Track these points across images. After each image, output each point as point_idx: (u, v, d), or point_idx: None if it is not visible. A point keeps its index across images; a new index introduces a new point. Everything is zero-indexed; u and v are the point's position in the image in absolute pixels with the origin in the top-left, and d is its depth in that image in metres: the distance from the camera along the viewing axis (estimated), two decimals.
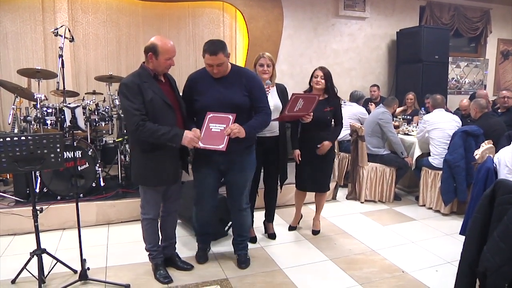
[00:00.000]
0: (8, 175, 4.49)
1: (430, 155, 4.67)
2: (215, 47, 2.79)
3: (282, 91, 3.53)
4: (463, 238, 2.28)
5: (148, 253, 3.03)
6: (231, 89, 2.90)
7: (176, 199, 3.09)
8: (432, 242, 3.73)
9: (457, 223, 4.03)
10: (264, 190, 3.72)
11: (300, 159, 3.64)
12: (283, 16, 6.95)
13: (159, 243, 3.05)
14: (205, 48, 2.82)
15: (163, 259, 3.07)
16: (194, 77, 3.01)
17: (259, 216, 3.84)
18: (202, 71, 3.00)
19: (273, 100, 3.38)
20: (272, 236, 3.79)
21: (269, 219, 3.82)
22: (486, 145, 3.68)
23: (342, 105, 5.64)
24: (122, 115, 4.46)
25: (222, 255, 3.41)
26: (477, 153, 3.52)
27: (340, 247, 3.63)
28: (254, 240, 3.69)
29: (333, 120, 3.69)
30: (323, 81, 3.56)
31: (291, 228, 4.00)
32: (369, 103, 6.42)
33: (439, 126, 4.55)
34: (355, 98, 5.72)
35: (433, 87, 6.77)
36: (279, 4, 6.89)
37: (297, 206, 4.00)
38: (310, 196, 4.03)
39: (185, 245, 3.59)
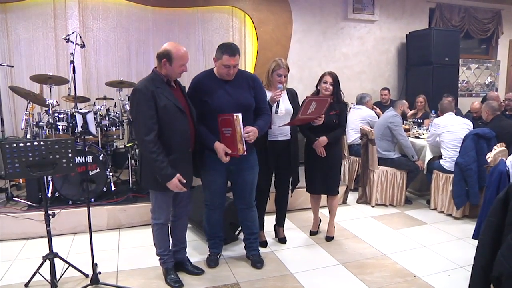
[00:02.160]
0: (21, 180, 4.55)
1: (441, 158, 4.63)
2: (233, 49, 2.90)
3: (292, 95, 3.54)
4: (475, 242, 2.26)
5: (158, 257, 3.04)
6: (239, 90, 3.00)
7: (187, 204, 3.10)
8: (444, 246, 3.70)
9: (469, 227, 3.99)
10: (275, 194, 3.72)
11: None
12: (292, 20, 6.96)
13: (170, 248, 3.06)
14: (223, 50, 2.89)
15: (174, 263, 3.07)
16: (200, 78, 3.06)
17: (269, 220, 3.82)
18: (207, 73, 3.08)
19: (284, 104, 3.39)
20: (282, 240, 3.78)
21: (279, 223, 3.81)
22: (499, 148, 3.64)
23: (351, 109, 5.68)
24: (132, 120, 4.49)
25: (233, 260, 3.41)
26: (490, 156, 3.49)
27: (351, 251, 3.61)
28: (264, 244, 3.68)
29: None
30: (331, 87, 3.55)
31: (312, 233, 3.98)
32: (373, 107, 6.30)
33: (450, 129, 4.52)
34: (357, 100, 5.72)
35: (443, 90, 6.71)
36: (288, 8, 6.90)
37: (313, 211, 3.98)
38: (324, 201, 4.00)
39: (195, 249, 3.60)
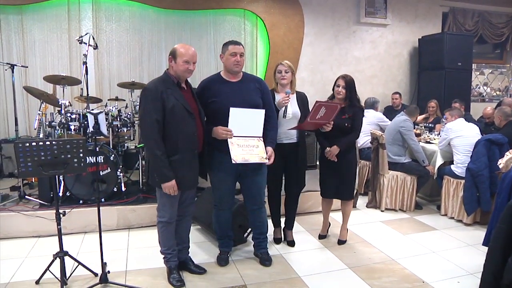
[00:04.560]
0: (33, 178, 4.61)
1: (452, 164, 4.59)
2: (237, 41, 3.10)
3: (302, 99, 3.54)
4: (486, 249, 2.24)
5: (163, 256, 3.07)
6: (247, 90, 3.09)
7: (191, 203, 3.13)
8: (454, 252, 3.66)
9: (480, 233, 3.94)
10: (285, 197, 3.74)
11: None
12: (304, 23, 6.96)
13: (175, 247, 3.08)
14: (227, 43, 3.10)
15: (178, 262, 3.10)
16: (207, 81, 3.15)
17: (283, 221, 3.86)
18: (214, 76, 3.18)
19: (292, 108, 3.39)
20: (291, 243, 3.78)
21: (288, 226, 3.82)
22: (511, 154, 3.59)
23: None
24: (139, 117, 4.52)
25: (241, 262, 3.41)
26: (501, 162, 3.44)
27: (360, 255, 3.59)
28: (279, 241, 3.78)
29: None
30: (344, 90, 3.52)
31: (321, 236, 3.96)
32: None
33: (462, 134, 4.48)
34: (368, 104, 5.68)
35: (456, 95, 6.65)
36: (300, 11, 6.90)
37: (324, 214, 3.96)
38: (335, 205, 4.00)
39: (204, 250, 3.62)
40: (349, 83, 3.54)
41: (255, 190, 3.24)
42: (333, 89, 3.64)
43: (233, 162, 2.92)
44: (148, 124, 2.72)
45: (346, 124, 3.53)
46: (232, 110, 2.93)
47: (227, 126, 2.95)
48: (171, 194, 2.78)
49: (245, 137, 3.01)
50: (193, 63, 2.81)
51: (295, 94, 3.51)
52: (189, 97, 2.90)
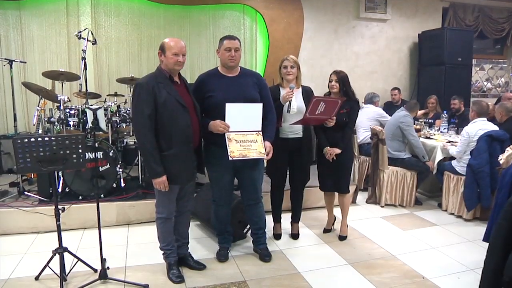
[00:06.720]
0: (32, 174, 4.60)
1: (452, 159, 4.57)
2: (232, 35, 3.12)
3: (307, 93, 3.54)
4: (486, 245, 2.23)
5: (162, 252, 3.07)
6: (244, 85, 3.09)
7: (190, 199, 3.13)
8: (454, 248, 3.66)
9: (480, 229, 3.94)
10: (290, 191, 3.77)
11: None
12: (303, 19, 6.93)
13: (174, 242, 3.08)
14: (222, 38, 3.11)
15: (177, 258, 3.09)
16: (204, 76, 3.16)
17: (286, 218, 3.88)
18: (211, 71, 3.19)
19: (297, 102, 3.39)
20: (295, 236, 3.81)
21: (294, 219, 3.85)
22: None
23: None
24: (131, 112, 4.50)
25: (241, 258, 3.41)
26: (502, 158, 3.43)
27: (360, 251, 3.59)
28: (279, 236, 3.78)
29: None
30: (337, 84, 3.55)
31: (326, 230, 3.98)
32: None
33: (475, 140, 4.27)
34: (367, 99, 5.67)
35: (456, 90, 6.63)
36: (300, 6, 6.87)
37: (327, 209, 3.99)
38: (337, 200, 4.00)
39: (203, 246, 3.62)
40: (341, 78, 3.57)
41: (251, 185, 3.24)
42: (328, 86, 3.65)
43: (230, 159, 2.90)
44: (140, 120, 2.71)
45: (344, 119, 3.57)
46: (228, 106, 2.92)
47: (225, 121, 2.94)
48: (161, 190, 2.78)
49: (243, 132, 2.99)
50: (182, 55, 2.80)
51: (300, 89, 3.51)
52: (183, 91, 2.89)
